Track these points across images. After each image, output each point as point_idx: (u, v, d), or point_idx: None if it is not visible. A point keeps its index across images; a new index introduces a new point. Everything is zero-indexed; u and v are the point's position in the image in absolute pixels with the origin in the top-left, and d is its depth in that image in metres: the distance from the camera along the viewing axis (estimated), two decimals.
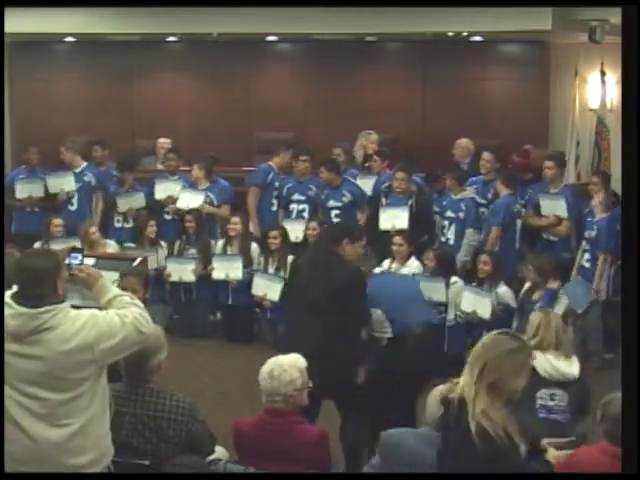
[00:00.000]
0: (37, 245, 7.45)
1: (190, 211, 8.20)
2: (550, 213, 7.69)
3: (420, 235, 7.81)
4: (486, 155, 8.16)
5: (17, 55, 10.59)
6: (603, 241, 7.17)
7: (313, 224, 7.84)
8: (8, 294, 3.30)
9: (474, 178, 8.20)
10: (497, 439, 3.09)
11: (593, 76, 10.06)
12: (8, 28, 6.66)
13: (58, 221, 7.99)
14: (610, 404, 3.46)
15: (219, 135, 10.53)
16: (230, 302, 8.01)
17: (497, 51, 10.72)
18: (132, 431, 3.72)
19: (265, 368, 3.97)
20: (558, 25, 8.83)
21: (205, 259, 8.02)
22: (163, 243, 8.15)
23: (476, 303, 6.88)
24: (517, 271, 7.44)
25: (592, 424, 3.67)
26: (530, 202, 7.94)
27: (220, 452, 4.03)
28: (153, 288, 7.48)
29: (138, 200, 8.41)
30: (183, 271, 7.96)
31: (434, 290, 7.01)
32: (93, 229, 7.75)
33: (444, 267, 7.18)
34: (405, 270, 7.13)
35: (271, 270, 7.84)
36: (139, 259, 4.53)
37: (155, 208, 8.40)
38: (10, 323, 3.23)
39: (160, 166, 9.43)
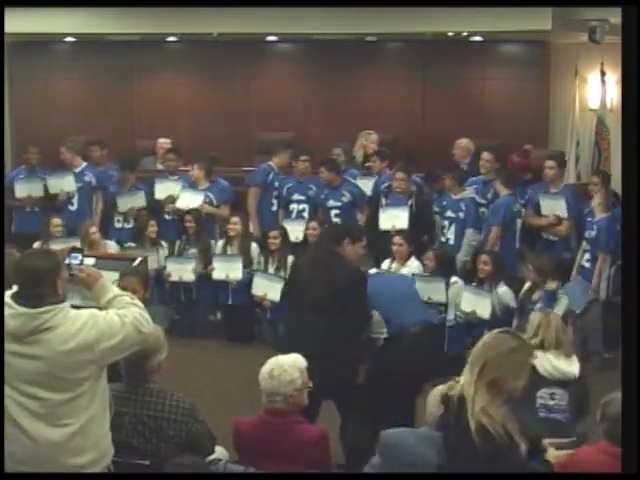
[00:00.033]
0: (36, 245, 7.45)
1: (190, 211, 8.20)
2: (550, 213, 7.69)
3: (420, 235, 7.81)
4: (486, 155, 8.16)
5: (17, 55, 10.60)
6: (603, 241, 7.17)
7: (313, 224, 7.84)
8: (8, 294, 3.30)
9: (474, 178, 8.20)
10: (496, 437, 3.10)
11: (593, 76, 10.06)
12: (8, 28, 6.66)
13: (57, 221, 7.99)
14: (610, 404, 3.46)
15: (219, 135, 10.53)
16: (230, 302, 8.01)
17: (497, 51, 10.72)
18: (132, 431, 3.72)
19: (265, 368, 3.98)
20: (558, 25, 8.84)
21: (205, 259, 8.02)
22: (164, 243, 8.15)
23: (476, 303, 6.88)
24: (517, 271, 7.44)
25: (592, 424, 3.67)
26: (530, 202, 7.94)
27: (220, 452, 4.03)
28: (154, 288, 7.54)
29: (138, 200, 8.41)
30: (183, 271, 7.96)
31: (434, 290, 7.01)
32: (93, 229, 7.75)
33: (444, 267, 7.18)
34: (405, 270, 7.13)
35: (271, 270, 7.84)
36: (139, 259, 4.53)
37: (155, 208, 8.40)
38: (10, 323, 3.23)
39: (160, 166, 9.43)
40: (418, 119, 10.65)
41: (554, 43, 10.22)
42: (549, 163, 7.84)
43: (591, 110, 10.07)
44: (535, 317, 4.99)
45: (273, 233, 7.91)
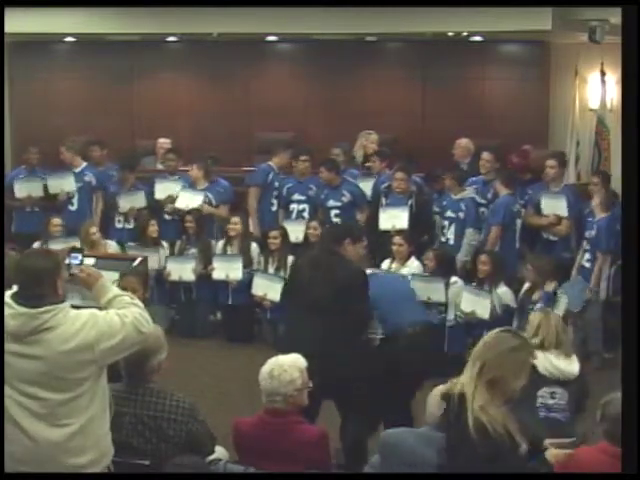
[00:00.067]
0: (36, 245, 7.46)
1: (190, 211, 8.20)
2: (551, 212, 7.70)
3: (420, 235, 7.81)
4: (486, 155, 8.16)
5: (17, 55, 10.58)
6: (603, 241, 7.17)
7: (314, 224, 7.84)
8: (8, 294, 3.30)
9: (474, 178, 8.20)
10: (495, 435, 3.10)
11: (593, 76, 10.05)
12: (8, 28, 6.66)
13: (57, 221, 7.99)
14: (610, 404, 3.46)
15: (219, 135, 10.52)
16: (230, 302, 8.01)
17: (497, 51, 10.71)
18: (132, 431, 3.72)
19: (265, 368, 3.98)
20: (558, 25, 8.83)
21: (205, 259, 8.02)
22: (165, 243, 8.15)
23: (475, 303, 6.89)
24: (517, 271, 7.44)
25: (592, 424, 3.67)
26: (530, 202, 7.94)
27: (220, 452, 4.03)
28: (154, 288, 7.54)
29: (139, 199, 8.41)
30: (183, 270, 7.97)
31: (434, 290, 7.02)
32: (94, 229, 7.75)
33: (444, 267, 7.19)
34: (405, 270, 7.14)
35: (271, 270, 7.85)
36: (139, 259, 4.53)
37: (155, 208, 8.40)
38: (10, 323, 3.23)
39: (160, 166, 9.43)
40: (418, 119, 10.64)
41: (554, 43, 10.21)
42: (550, 162, 7.85)
43: (591, 110, 10.06)
44: (535, 317, 4.99)
45: (273, 233, 7.91)
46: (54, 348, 3.22)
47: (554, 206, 7.70)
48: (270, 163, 8.66)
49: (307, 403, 4.02)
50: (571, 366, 4.78)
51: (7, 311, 3.25)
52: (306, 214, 8.29)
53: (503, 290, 7.03)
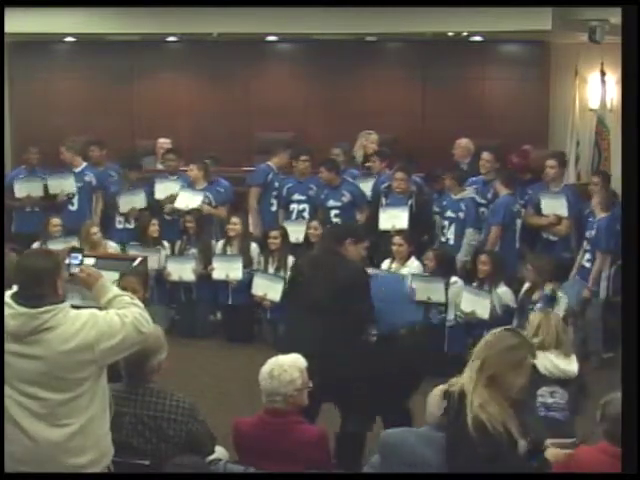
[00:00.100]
0: (35, 245, 7.46)
1: (190, 211, 8.20)
2: (551, 212, 7.70)
3: (420, 235, 7.81)
4: (486, 155, 8.16)
5: (17, 55, 10.59)
6: (603, 241, 7.17)
7: (314, 224, 7.84)
8: (8, 294, 3.30)
9: (474, 178, 8.20)
10: (494, 433, 3.11)
11: (593, 76, 10.06)
12: (8, 28, 6.67)
13: (56, 221, 7.99)
14: (610, 404, 3.46)
15: (219, 135, 10.53)
16: (230, 302, 8.01)
17: (497, 51, 10.71)
18: (132, 431, 3.72)
19: (265, 368, 3.98)
20: (558, 25, 8.83)
21: (206, 259, 8.02)
22: (166, 243, 8.15)
23: (475, 303, 6.89)
24: (517, 271, 7.44)
25: (592, 424, 3.67)
26: (530, 202, 7.94)
27: (220, 452, 4.03)
28: (154, 288, 7.54)
29: (139, 199, 8.40)
30: (183, 270, 7.97)
31: (434, 290, 7.02)
32: (94, 229, 7.75)
33: (444, 267, 7.19)
34: (405, 270, 7.14)
35: (271, 270, 7.85)
36: (139, 259, 4.53)
37: (155, 208, 8.40)
38: (10, 323, 3.23)
39: (160, 166, 9.43)
40: (418, 119, 10.64)
41: (554, 43, 10.21)
42: (550, 162, 7.85)
43: (591, 110, 10.06)
44: (535, 317, 4.99)
45: (273, 233, 7.91)
46: (54, 348, 3.22)
47: (554, 206, 7.70)
48: (269, 163, 8.66)
49: (307, 403, 4.02)
50: (570, 366, 4.79)
51: (7, 311, 3.25)
52: (306, 214, 8.29)
53: (503, 290, 7.02)
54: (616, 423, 3.32)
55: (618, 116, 5.46)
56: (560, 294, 6.73)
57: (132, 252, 7.43)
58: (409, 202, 7.85)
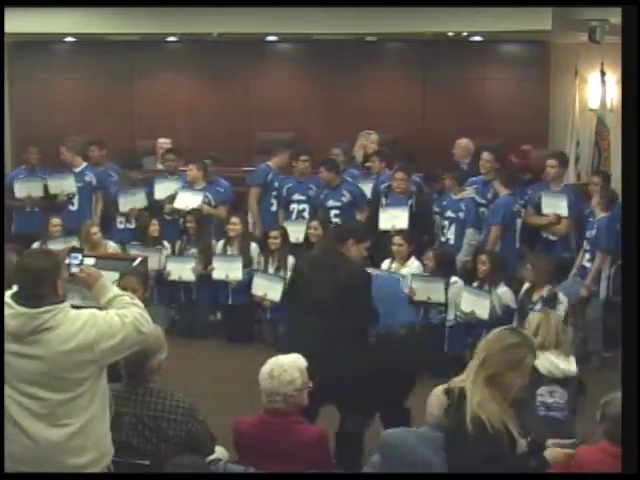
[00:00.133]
0: (35, 245, 7.46)
1: (191, 211, 8.20)
2: (551, 211, 7.70)
3: (420, 235, 7.81)
4: (486, 155, 8.16)
5: (17, 55, 10.59)
6: (603, 240, 7.17)
7: (314, 223, 7.84)
8: (8, 294, 3.30)
9: (474, 178, 8.20)
10: (493, 431, 3.11)
11: (593, 76, 10.06)
12: (8, 28, 6.67)
13: (56, 221, 7.99)
14: (610, 404, 3.46)
15: (219, 135, 10.53)
16: (230, 302, 8.01)
17: (497, 51, 10.71)
18: (132, 431, 3.72)
19: (265, 368, 3.98)
20: (558, 25, 8.83)
21: (206, 259, 8.02)
22: (166, 243, 8.15)
23: (475, 304, 6.88)
24: (517, 271, 7.44)
25: (592, 424, 3.67)
26: (530, 202, 7.94)
27: (220, 452, 4.03)
28: (154, 288, 7.54)
29: (140, 199, 8.40)
30: (183, 270, 7.96)
31: (434, 290, 7.02)
32: (95, 229, 7.75)
33: (444, 267, 7.19)
34: (405, 270, 7.14)
35: (271, 270, 7.85)
36: (139, 259, 4.53)
37: (155, 208, 8.40)
38: (10, 323, 3.23)
39: (160, 166, 9.43)
40: (418, 119, 10.65)
41: (554, 43, 10.21)
42: (551, 162, 7.85)
43: (591, 110, 10.06)
44: (534, 317, 4.99)
45: (273, 233, 7.91)
46: (54, 348, 3.22)
47: (555, 205, 7.70)
48: (269, 163, 8.67)
49: (307, 403, 4.02)
50: (570, 365, 4.80)
51: (7, 311, 3.25)
52: (306, 214, 8.29)
53: (503, 290, 7.02)
54: (616, 423, 3.32)
55: (618, 116, 5.46)
56: (560, 295, 6.73)
57: (133, 252, 7.42)
58: (409, 202, 7.85)
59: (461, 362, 3.43)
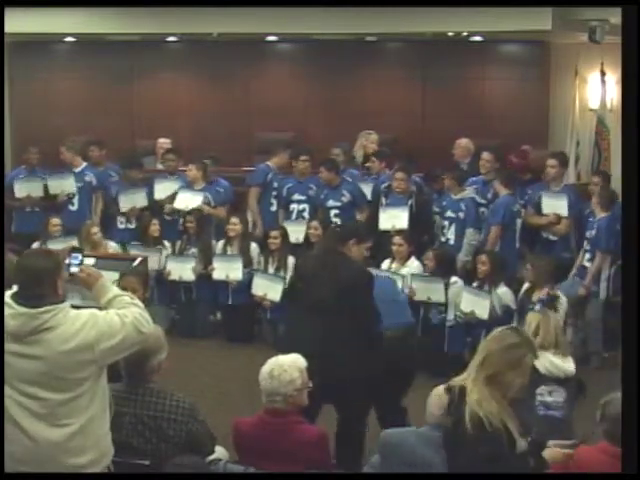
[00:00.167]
0: (35, 245, 7.46)
1: (191, 211, 8.20)
2: (551, 211, 7.71)
3: (420, 235, 7.81)
4: (486, 155, 8.16)
5: (17, 55, 10.58)
6: (603, 240, 7.17)
7: (315, 223, 7.84)
8: (8, 294, 3.30)
9: (474, 178, 8.20)
10: (492, 430, 3.11)
11: (593, 76, 10.05)
12: (8, 28, 6.67)
13: (56, 221, 7.99)
14: (610, 404, 3.46)
15: (219, 135, 10.52)
16: (230, 302, 8.01)
17: (497, 51, 10.71)
18: (132, 431, 3.72)
19: (265, 368, 3.98)
20: (558, 25, 8.82)
21: (206, 259, 8.02)
22: (167, 243, 8.15)
23: (475, 304, 6.88)
24: (517, 271, 7.44)
25: (592, 424, 3.67)
26: (530, 202, 7.94)
27: (220, 452, 4.03)
28: (154, 288, 7.54)
29: (140, 199, 8.40)
30: (183, 270, 7.97)
31: (434, 290, 7.02)
32: (95, 229, 7.76)
33: (444, 267, 7.19)
34: (405, 270, 7.14)
35: (271, 270, 7.85)
36: (139, 259, 4.52)
37: (155, 208, 8.40)
38: (10, 323, 3.23)
39: (160, 166, 9.43)
40: (418, 119, 10.64)
41: (554, 43, 10.21)
42: (551, 162, 7.85)
43: (591, 110, 10.06)
44: (533, 317, 4.99)
45: (273, 233, 7.91)
46: (54, 348, 3.22)
47: (555, 205, 7.70)
48: (268, 163, 8.67)
49: (307, 403, 4.02)
50: (568, 365, 4.80)
51: (7, 311, 3.25)
52: (306, 214, 8.29)
53: (503, 290, 7.02)
54: (616, 423, 3.32)
55: (618, 116, 5.46)
56: (560, 295, 6.73)
57: (133, 252, 7.42)
58: (409, 202, 7.85)
59: (461, 362, 3.43)
